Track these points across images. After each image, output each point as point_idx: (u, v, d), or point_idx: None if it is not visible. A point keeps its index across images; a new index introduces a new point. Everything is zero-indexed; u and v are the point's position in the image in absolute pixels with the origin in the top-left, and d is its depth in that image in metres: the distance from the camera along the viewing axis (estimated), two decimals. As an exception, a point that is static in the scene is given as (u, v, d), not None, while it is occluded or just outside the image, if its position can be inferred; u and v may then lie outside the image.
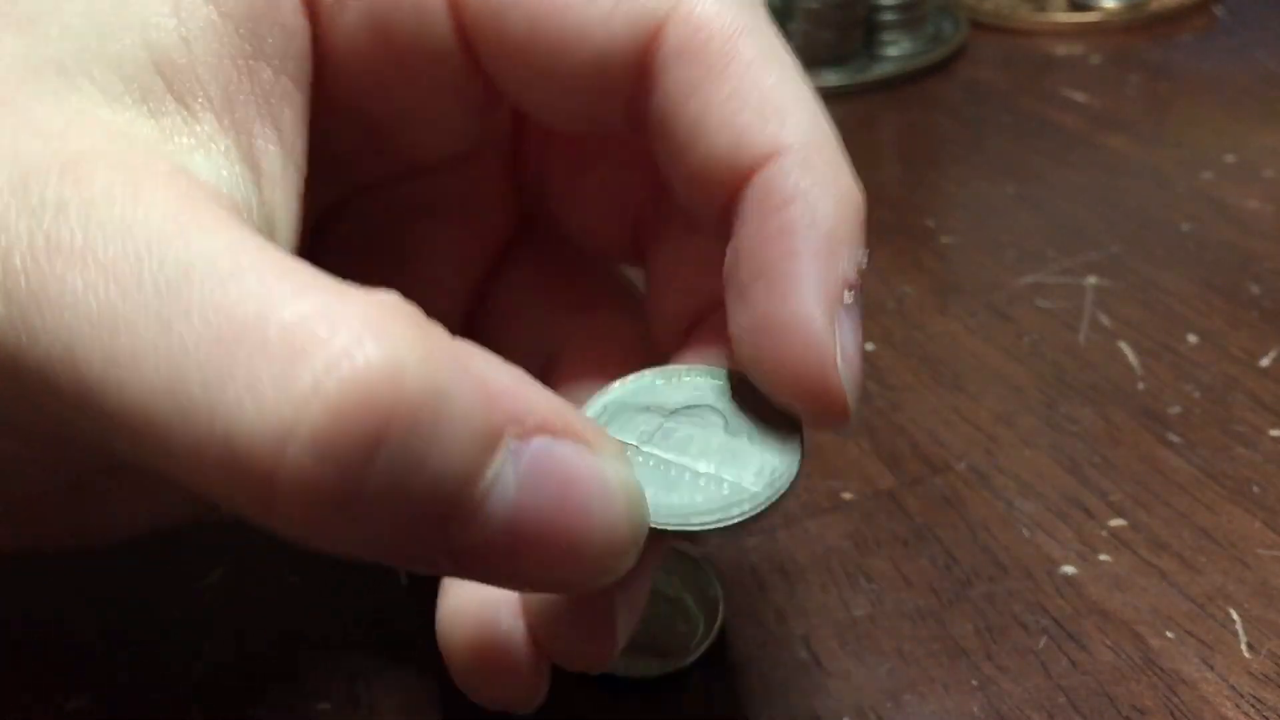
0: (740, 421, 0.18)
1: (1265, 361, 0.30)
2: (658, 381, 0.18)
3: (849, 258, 0.17)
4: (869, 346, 0.32)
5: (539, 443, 0.14)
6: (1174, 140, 0.40)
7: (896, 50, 0.48)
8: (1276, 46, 0.46)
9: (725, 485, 0.17)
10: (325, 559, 0.27)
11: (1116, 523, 0.25)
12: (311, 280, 0.13)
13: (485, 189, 0.22)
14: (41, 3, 0.16)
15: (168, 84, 0.16)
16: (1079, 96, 0.44)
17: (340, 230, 0.22)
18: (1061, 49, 0.49)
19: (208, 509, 0.19)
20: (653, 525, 0.16)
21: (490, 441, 0.13)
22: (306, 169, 0.18)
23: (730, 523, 0.17)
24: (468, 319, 0.23)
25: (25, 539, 0.21)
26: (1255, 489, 0.26)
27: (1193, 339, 0.31)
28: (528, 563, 0.14)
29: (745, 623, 0.24)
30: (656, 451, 0.17)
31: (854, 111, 0.45)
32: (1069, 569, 0.24)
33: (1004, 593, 0.24)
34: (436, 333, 0.14)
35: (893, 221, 0.38)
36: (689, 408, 0.18)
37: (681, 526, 0.17)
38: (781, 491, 0.17)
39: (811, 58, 0.47)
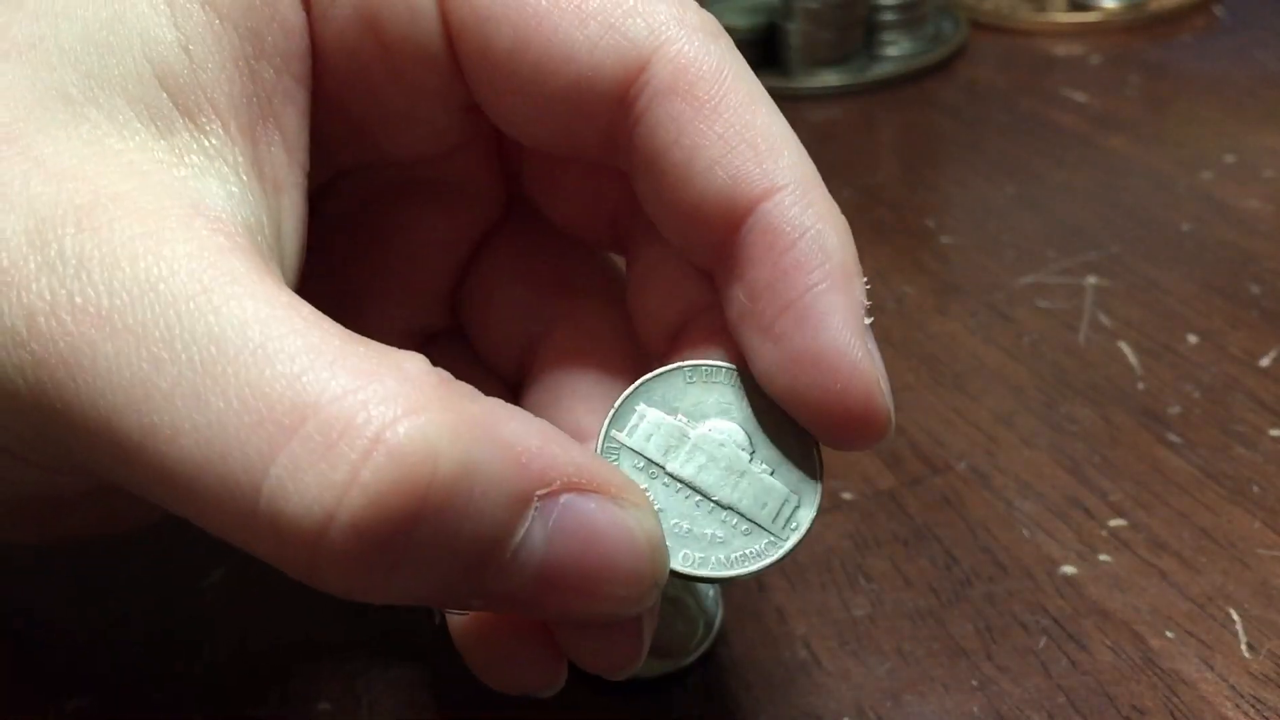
0: (763, 446, 0.18)
1: (1265, 361, 0.30)
2: (689, 379, 0.19)
3: (861, 285, 0.17)
4: (869, 346, 0.32)
5: (566, 500, 0.15)
6: (1174, 140, 0.40)
7: (896, 50, 0.48)
8: (1276, 47, 0.46)
9: (744, 524, 0.18)
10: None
11: (1116, 523, 0.25)
12: (340, 349, 0.14)
13: (471, 174, 0.22)
14: (36, 26, 0.16)
15: (173, 99, 0.16)
16: (1079, 97, 0.44)
17: (327, 209, 0.22)
18: (1061, 49, 0.49)
19: None
20: (673, 569, 0.17)
21: (520, 504, 0.15)
22: (308, 165, 0.18)
23: (747, 573, 0.18)
24: (452, 297, 0.23)
25: (50, 535, 0.21)
26: (1255, 489, 0.26)
27: (1193, 339, 0.31)
28: (557, 605, 0.15)
29: (746, 622, 0.24)
30: (679, 472, 0.18)
31: (854, 111, 0.45)
32: (1069, 569, 0.24)
33: (1004, 593, 0.24)
34: (465, 402, 0.14)
35: (893, 221, 0.38)
36: (714, 420, 0.18)
37: (700, 573, 0.17)
38: (800, 539, 0.18)
39: (812, 58, 0.47)
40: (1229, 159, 0.39)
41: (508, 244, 0.23)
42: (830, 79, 0.47)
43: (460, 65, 0.19)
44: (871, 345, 0.17)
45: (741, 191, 0.17)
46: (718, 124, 0.17)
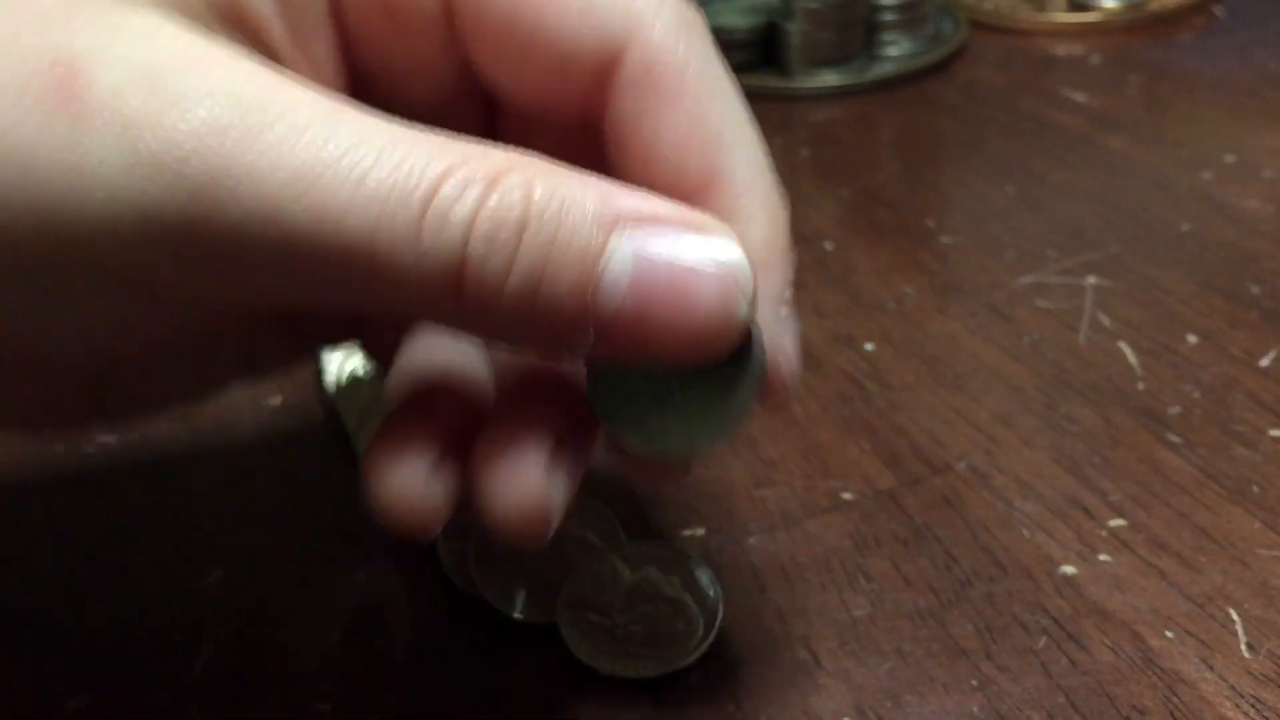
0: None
1: (1265, 362, 0.30)
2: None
3: (782, 270, 0.20)
4: (868, 346, 0.32)
5: (651, 228, 0.17)
6: (1174, 140, 0.40)
7: (896, 50, 0.48)
8: (1276, 46, 0.46)
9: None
10: (325, 560, 0.27)
11: (1116, 523, 0.25)
12: (431, 137, 0.17)
13: (461, 127, 0.23)
14: None
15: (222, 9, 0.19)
16: (1079, 97, 0.44)
17: None
18: (1061, 49, 0.49)
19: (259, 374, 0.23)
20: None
21: (605, 226, 0.17)
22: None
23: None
24: None
25: (109, 406, 0.22)
26: (1255, 489, 0.26)
27: (1192, 339, 0.31)
28: (649, 332, 0.17)
29: (745, 623, 0.24)
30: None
31: (854, 111, 0.45)
32: (1069, 569, 0.24)
33: (1004, 593, 0.24)
34: (550, 162, 0.18)
35: (893, 221, 0.38)
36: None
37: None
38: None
39: (811, 58, 0.47)
40: (1229, 159, 0.39)
41: None
42: (830, 79, 0.47)
43: (456, 33, 0.21)
44: (789, 320, 0.20)
45: (690, 179, 0.20)
46: (677, 114, 0.20)
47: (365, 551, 0.27)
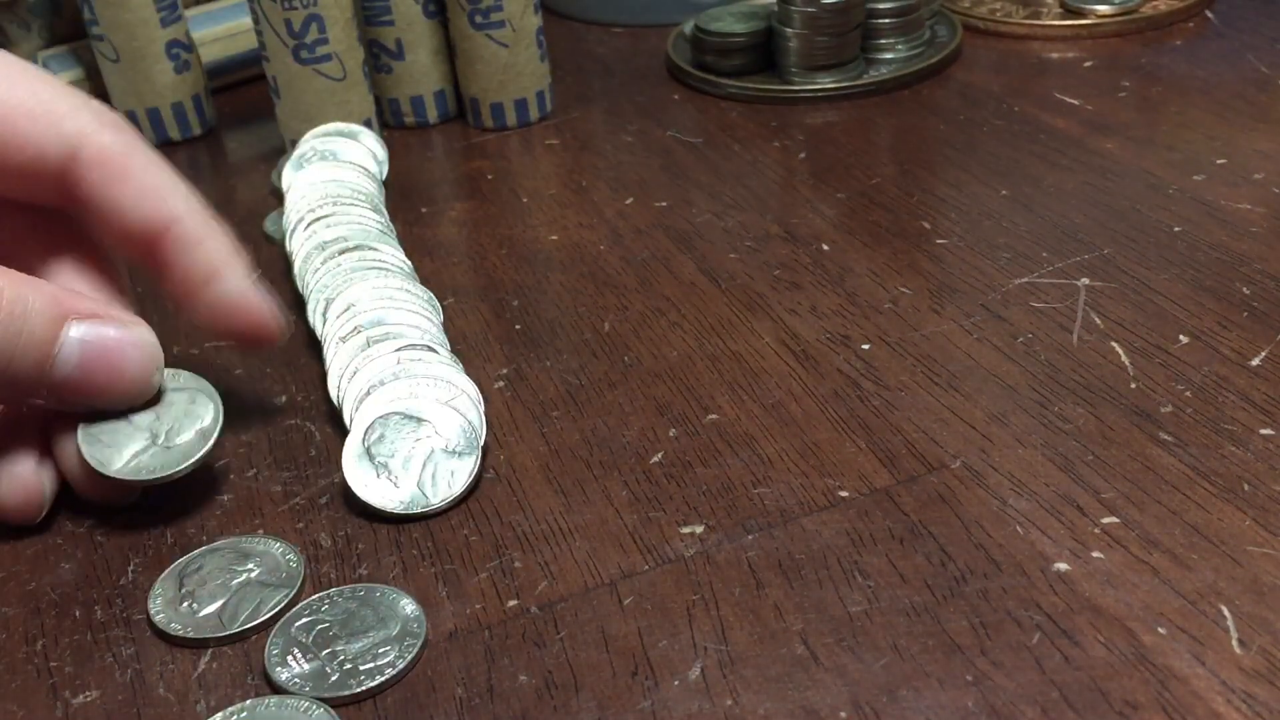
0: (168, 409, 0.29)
1: (1256, 361, 0.30)
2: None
3: (245, 259, 0.30)
4: (865, 345, 0.32)
5: (92, 323, 0.27)
6: (1166, 143, 0.41)
7: (892, 55, 0.49)
8: (1268, 51, 0.47)
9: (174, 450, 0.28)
10: (332, 557, 0.27)
11: (1109, 520, 0.26)
12: None
13: None
14: None
15: None
16: (1072, 100, 0.45)
17: None
18: (1055, 53, 0.49)
19: None
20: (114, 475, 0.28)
21: (57, 323, 0.26)
22: None
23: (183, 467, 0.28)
24: None
25: None
26: (1246, 487, 0.26)
27: (1184, 339, 0.31)
28: (91, 390, 0.27)
29: (742, 618, 0.24)
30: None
31: (850, 115, 0.46)
32: (1062, 566, 0.25)
33: (998, 589, 0.24)
34: (24, 277, 0.26)
35: (889, 224, 0.38)
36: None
37: (136, 478, 0.28)
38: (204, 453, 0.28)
39: (808, 62, 0.47)
40: (1220, 162, 0.39)
41: None
42: (826, 83, 0.47)
43: None
44: (260, 288, 0.30)
45: (152, 223, 0.29)
46: (129, 185, 0.28)
47: (368, 544, 0.27)
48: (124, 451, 0.27)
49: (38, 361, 0.26)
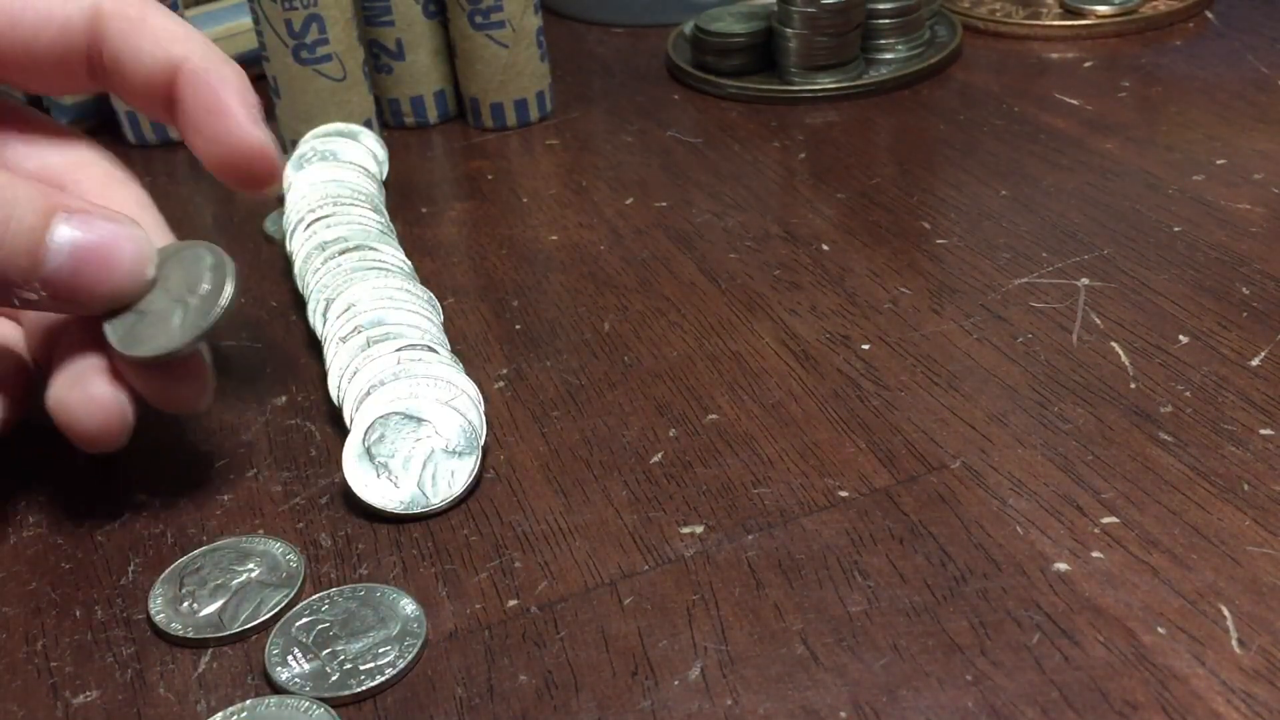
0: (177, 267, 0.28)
1: (1255, 361, 0.30)
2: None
3: (251, 93, 0.30)
4: (865, 346, 0.32)
5: (83, 215, 0.26)
6: (1165, 143, 0.41)
7: (892, 55, 0.49)
8: (1267, 51, 0.47)
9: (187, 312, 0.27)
10: (325, 561, 0.27)
11: (1109, 520, 0.26)
12: None
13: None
14: None
15: None
16: (1072, 100, 0.45)
17: None
18: (1055, 54, 0.49)
19: None
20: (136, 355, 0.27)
21: (48, 213, 0.26)
22: None
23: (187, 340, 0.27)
24: None
25: None
26: (1246, 487, 0.26)
27: (1184, 339, 0.31)
28: (85, 283, 0.26)
29: (742, 618, 0.24)
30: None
31: (850, 115, 0.46)
32: (1062, 566, 0.25)
33: (998, 589, 0.24)
34: (17, 176, 0.26)
35: (889, 224, 0.38)
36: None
37: (137, 354, 0.27)
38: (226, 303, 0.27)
39: (808, 62, 0.47)
40: (1220, 162, 0.39)
41: None
42: (826, 83, 0.47)
43: (96, 63, 0.30)
44: (263, 126, 0.29)
45: (169, 63, 0.29)
46: (145, 31, 0.29)
47: (369, 542, 0.27)
48: (167, 328, 0.27)
49: (28, 250, 0.25)
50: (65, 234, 0.26)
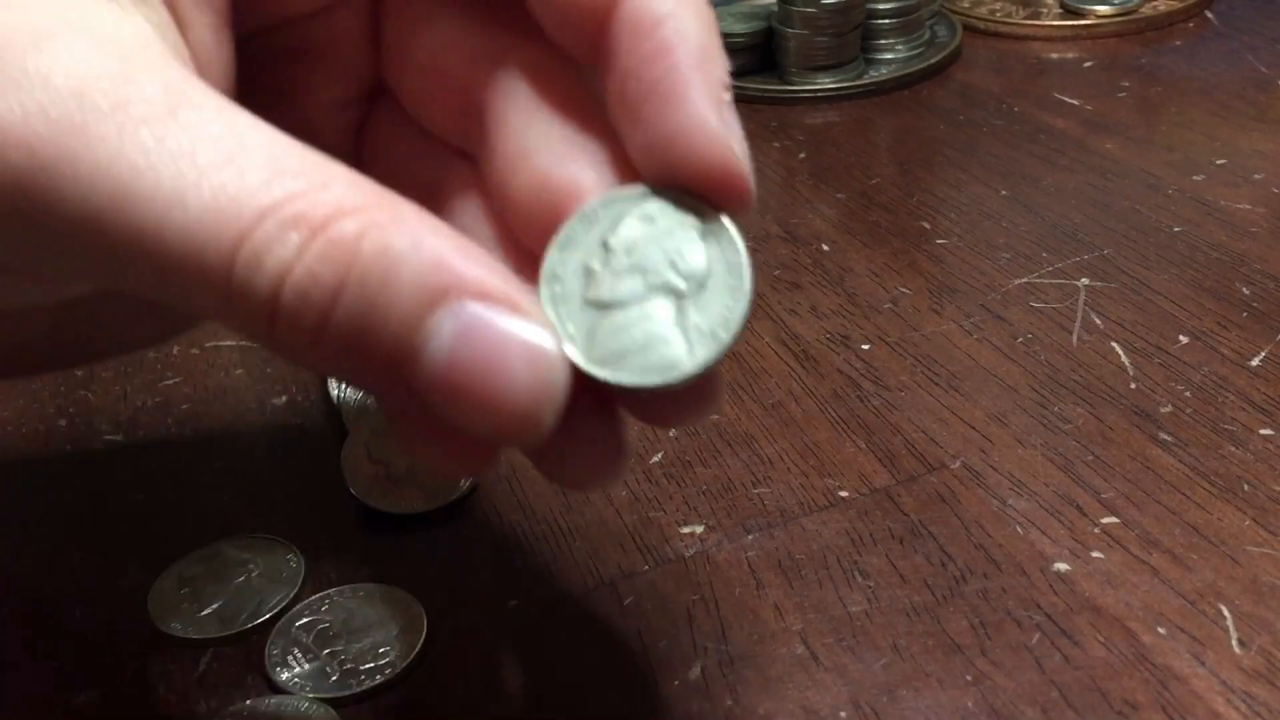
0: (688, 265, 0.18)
1: (1255, 361, 0.30)
2: (599, 211, 0.19)
3: (721, 64, 0.18)
4: (864, 346, 0.32)
5: (476, 306, 0.16)
6: (1165, 143, 0.41)
7: (892, 55, 0.49)
8: (1267, 51, 0.47)
9: (669, 343, 0.18)
10: (330, 557, 0.27)
11: (1109, 520, 0.26)
12: (300, 159, 0.17)
13: (345, 36, 0.23)
14: None
15: None
16: (1072, 100, 0.45)
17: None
18: (1054, 54, 0.49)
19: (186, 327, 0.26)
20: (604, 379, 0.18)
21: (432, 297, 0.16)
22: (223, 4, 0.20)
23: (669, 383, 0.17)
24: (357, 149, 0.24)
25: (16, 361, 0.23)
26: (1245, 487, 0.26)
27: (1184, 339, 0.31)
28: (463, 405, 0.17)
29: (743, 618, 0.24)
30: (604, 294, 0.18)
31: (850, 115, 0.46)
32: (1062, 566, 0.25)
33: (998, 589, 0.24)
34: (400, 206, 0.17)
35: (888, 224, 0.38)
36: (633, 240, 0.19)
37: (622, 382, 0.18)
38: (727, 343, 0.18)
39: (808, 62, 0.47)
40: (1220, 162, 0.39)
41: (393, 109, 0.24)
42: (826, 83, 0.47)
43: None
44: (730, 116, 0.18)
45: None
46: None
47: (369, 544, 0.27)
48: (656, 336, 0.18)
49: (389, 354, 0.16)
50: (446, 335, 0.16)
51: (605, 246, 0.18)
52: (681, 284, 0.18)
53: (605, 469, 0.19)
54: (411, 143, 0.23)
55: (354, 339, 0.16)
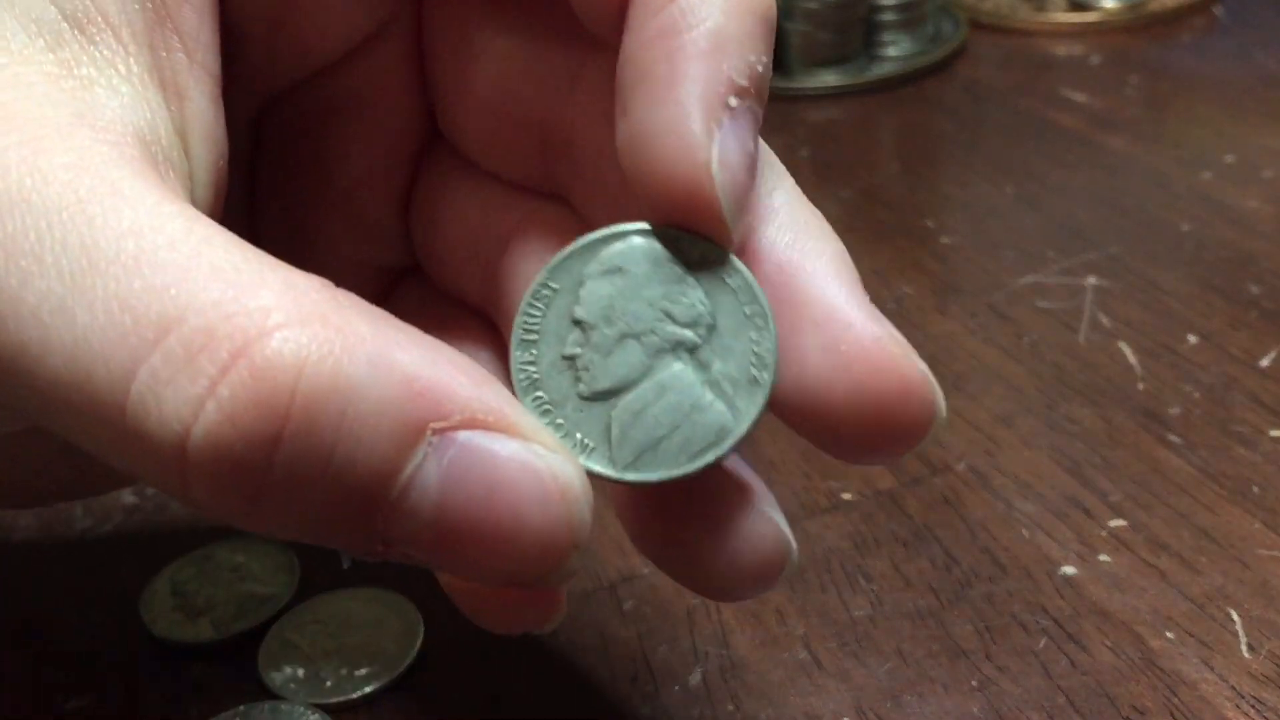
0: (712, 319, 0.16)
1: (1265, 362, 0.30)
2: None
3: (738, 57, 0.15)
4: (868, 347, 0.32)
5: (465, 437, 0.13)
6: (1173, 140, 0.40)
7: (896, 50, 0.48)
8: (1276, 47, 0.46)
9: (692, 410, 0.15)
10: (325, 559, 0.27)
11: (1116, 523, 0.25)
12: (223, 262, 0.13)
13: (390, 83, 0.20)
14: None
15: (61, 10, 0.15)
16: (1079, 97, 0.44)
17: (268, 143, 0.21)
18: (1061, 49, 0.49)
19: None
20: (625, 479, 0.15)
21: (409, 435, 0.13)
22: (218, 68, 0.17)
23: (699, 466, 0.15)
24: (402, 227, 0.21)
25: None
26: (1255, 489, 0.26)
27: (1192, 339, 0.31)
28: (462, 557, 0.14)
29: (745, 623, 0.24)
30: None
31: (854, 112, 0.45)
32: (1069, 569, 0.24)
33: (1004, 593, 0.24)
34: (354, 319, 0.13)
35: (893, 222, 0.38)
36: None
37: (673, 476, 0.15)
38: (750, 425, 0.15)
39: (811, 58, 0.47)
40: (1229, 159, 0.39)
41: (447, 162, 0.21)
42: (830, 79, 0.47)
43: None
44: (730, 125, 0.15)
45: None
46: None
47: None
48: (706, 415, 0.15)
49: (362, 504, 0.13)
50: (430, 475, 0.13)
51: (577, 323, 0.15)
52: (688, 334, 0.15)
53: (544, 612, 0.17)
54: (476, 192, 0.20)
55: (304, 498, 0.13)
